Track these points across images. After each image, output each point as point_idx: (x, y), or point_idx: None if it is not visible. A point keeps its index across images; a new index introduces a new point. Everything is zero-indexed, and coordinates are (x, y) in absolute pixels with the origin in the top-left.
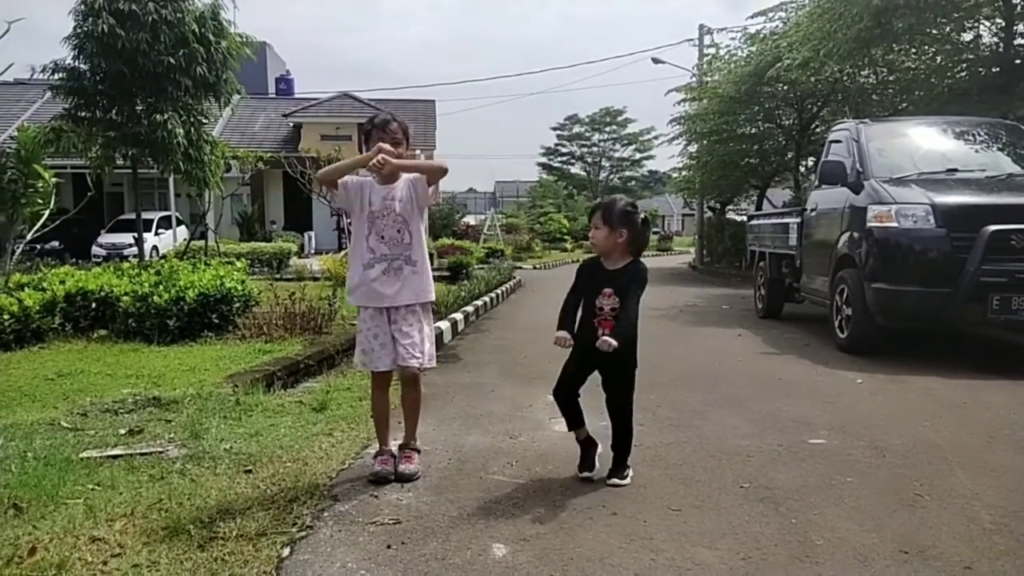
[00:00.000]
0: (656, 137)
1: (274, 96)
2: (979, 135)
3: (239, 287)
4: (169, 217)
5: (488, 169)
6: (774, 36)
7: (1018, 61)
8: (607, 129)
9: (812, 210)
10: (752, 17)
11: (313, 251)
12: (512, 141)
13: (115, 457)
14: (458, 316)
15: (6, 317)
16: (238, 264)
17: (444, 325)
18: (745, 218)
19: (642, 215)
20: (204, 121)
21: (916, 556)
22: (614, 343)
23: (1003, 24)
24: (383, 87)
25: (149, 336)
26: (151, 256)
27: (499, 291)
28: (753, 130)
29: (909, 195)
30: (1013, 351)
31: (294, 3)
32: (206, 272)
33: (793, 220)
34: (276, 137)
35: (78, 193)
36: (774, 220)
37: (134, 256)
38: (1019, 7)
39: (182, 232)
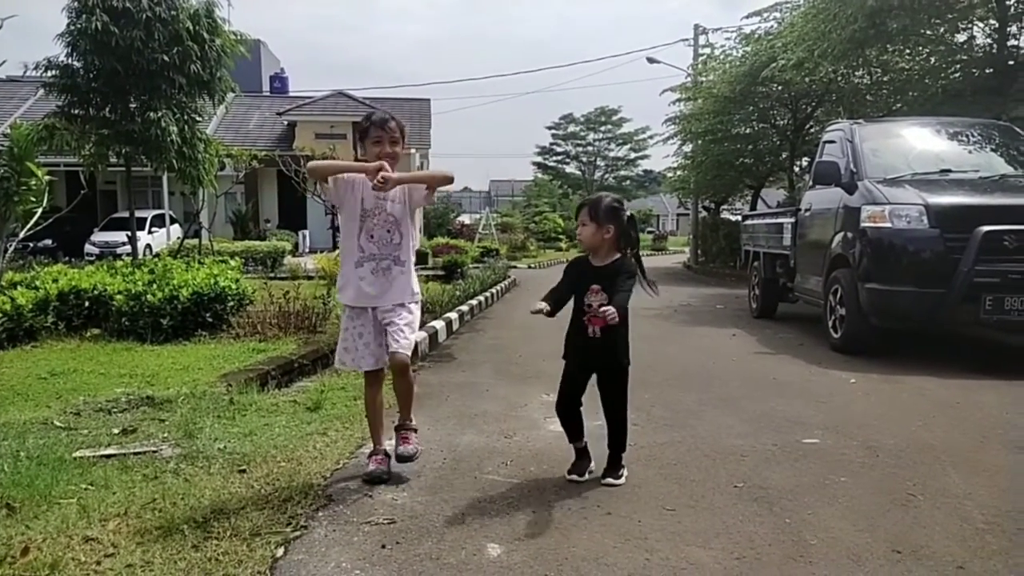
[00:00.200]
0: (651, 137)
1: (268, 94)
2: (973, 136)
3: (233, 286)
4: (163, 215)
5: (483, 168)
6: (769, 36)
7: (1011, 62)
8: (602, 128)
9: (806, 210)
10: (747, 17)
11: (307, 250)
12: (507, 140)
13: (108, 457)
14: (453, 315)
15: None
16: (232, 263)
17: (439, 324)
18: (740, 218)
19: (628, 213)
20: (198, 119)
21: (909, 555)
22: (612, 310)
23: (996, 25)
24: (378, 86)
25: (143, 335)
26: (145, 255)
27: (494, 290)
28: (748, 130)
29: (903, 195)
30: (1006, 351)
31: (290, 1)
32: (200, 271)
33: (787, 220)
34: (270, 135)
35: (71, 191)
36: (768, 220)
37: (127, 254)
38: (1012, 9)
39: (176, 231)
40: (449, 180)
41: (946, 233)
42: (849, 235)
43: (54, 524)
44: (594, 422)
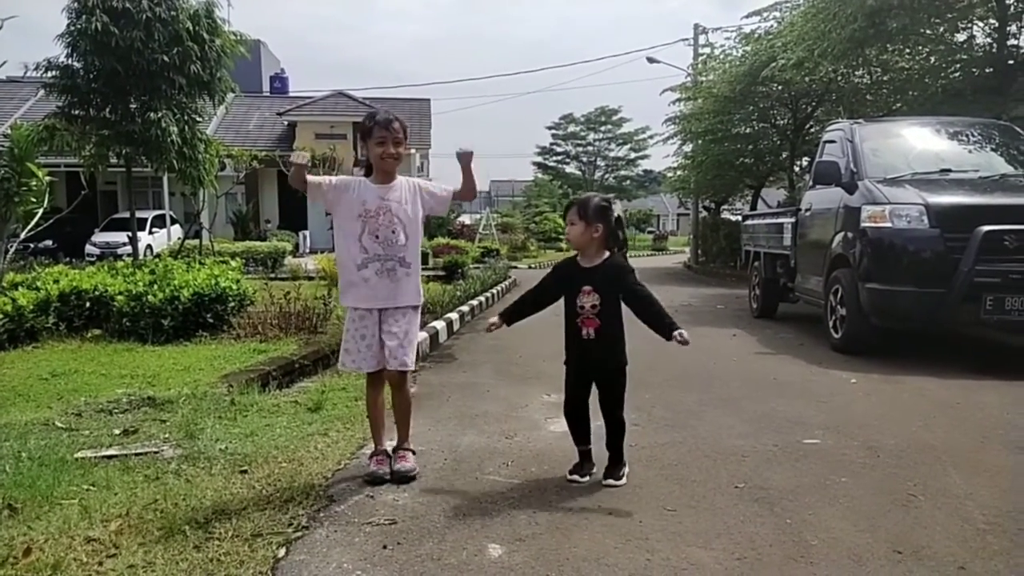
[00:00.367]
0: (651, 137)
1: (268, 94)
2: (973, 135)
3: (234, 286)
4: (163, 216)
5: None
6: (769, 36)
7: (1011, 62)
8: (602, 128)
9: (806, 210)
10: (747, 17)
11: (308, 250)
12: (507, 140)
13: (110, 457)
14: (453, 316)
15: (0, 316)
16: (233, 263)
17: (439, 325)
18: (740, 218)
19: (616, 213)
20: (198, 119)
21: (910, 556)
22: (686, 334)
23: (996, 25)
24: (378, 86)
25: (143, 336)
26: (145, 255)
27: (494, 290)
28: (748, 130)
29: (903, 195)
30: (1007, 351)
31: (289, 1)
32: (201, 271)
33: (788, 220)
34: (270, 136)
35: (72, 192)
36: (769, 220)
37: (128, 255)
38: (1012, 8)
39: (176, 231)
40: (474, 196)
41: (946, 233)
42: (849, 235)
43: (56, 525)
44: (594, 422)
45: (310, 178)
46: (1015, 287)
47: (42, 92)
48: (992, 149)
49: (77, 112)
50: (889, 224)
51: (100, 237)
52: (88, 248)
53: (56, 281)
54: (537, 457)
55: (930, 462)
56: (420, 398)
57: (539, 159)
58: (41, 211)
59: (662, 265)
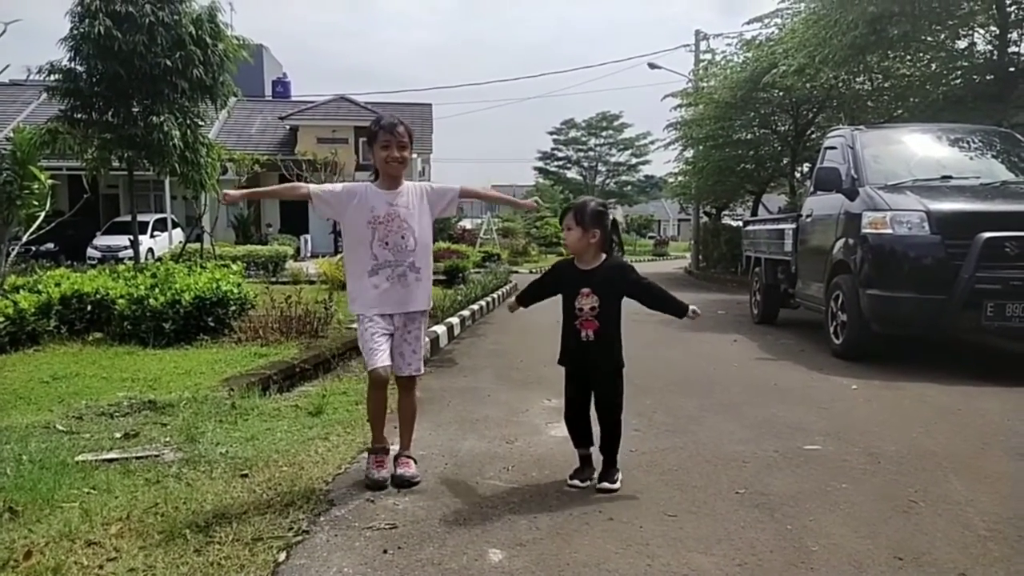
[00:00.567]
0: (652, 142)
1: (271, 99)
2: (974, 142)
3: (235, 290)
4: (165, 219)
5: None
6: (770, 42)
7: (1012, 69)
8: (603, 134)
9: (807, 216)
10: (748, 23)
11: (309, 254)
12: (509, 145)
13: (111, 461)
14: (454, 320)
15: (1, 319)
16: (234, 267)
17: (440, 329)
18: (741, 223)
19: (612, 217)
20: (200, 123)
21: (911, 562)
22: (697, 311)
23: (997, 32)
24: (380, 90)
25: (145, 339)
26: (147, 259)
27: (495, 295)
28: (749, 136)
29: (904, 202)
30: (1007, 358)
31: (292, 6)
32: (202, 275)
33: (788, 226)
34: (272, 140)
35: (74, 195)
36: (770, 226)
37: (130, 258)
38: (1013, 15)
39: (178, 235)
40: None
41: (947, 239)
42: (850, 241)
43: (57, 528)
44: (595, 426)
45: (312, 189)
46: (1016, 294)
47: (45, 95)
48: (993, 156)
49: (80, 115)
50: (890, 230)
51: (102, 240)
52: (89, 251)
53: (57, 284)
54: (538, 462)
55: (931, 468)
56: (421, 403)
57: (540, 164)
58: (43, 214)
59: (663, 270)
